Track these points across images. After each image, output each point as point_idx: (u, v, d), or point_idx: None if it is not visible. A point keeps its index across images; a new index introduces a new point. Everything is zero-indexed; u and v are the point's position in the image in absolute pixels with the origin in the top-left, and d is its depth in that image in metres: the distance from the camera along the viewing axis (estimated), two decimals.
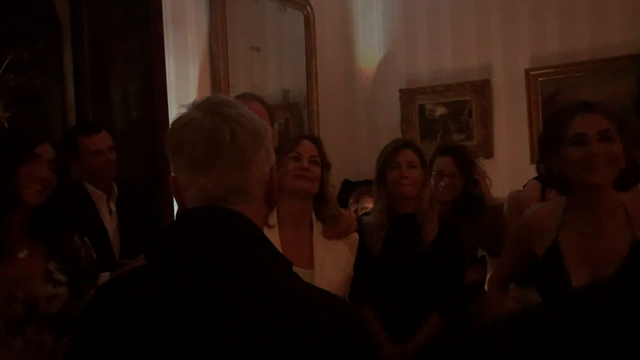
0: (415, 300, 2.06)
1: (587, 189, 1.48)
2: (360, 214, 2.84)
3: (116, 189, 2.38)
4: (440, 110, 3.79)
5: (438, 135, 3.75)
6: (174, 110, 2.69)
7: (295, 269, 1.76)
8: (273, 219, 1.76)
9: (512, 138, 3.55)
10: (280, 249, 1.69)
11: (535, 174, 2.63)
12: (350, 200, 3.14)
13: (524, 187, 2.54)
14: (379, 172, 2.18)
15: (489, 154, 3.61)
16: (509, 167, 3.47)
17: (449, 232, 2.14)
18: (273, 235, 1.70)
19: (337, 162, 3.44)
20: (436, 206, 2.17)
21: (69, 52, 2.84)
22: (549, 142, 1.54)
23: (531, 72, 3.46)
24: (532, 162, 3.27)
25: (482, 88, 3.62)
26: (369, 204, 2.79)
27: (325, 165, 1.87)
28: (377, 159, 2.22)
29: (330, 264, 1.78)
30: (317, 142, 1.87)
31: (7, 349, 1.47)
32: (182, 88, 2.79)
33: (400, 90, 3.89)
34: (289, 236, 1.76)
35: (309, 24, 3.61)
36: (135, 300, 0.82)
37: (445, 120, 3.77)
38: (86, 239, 1.71)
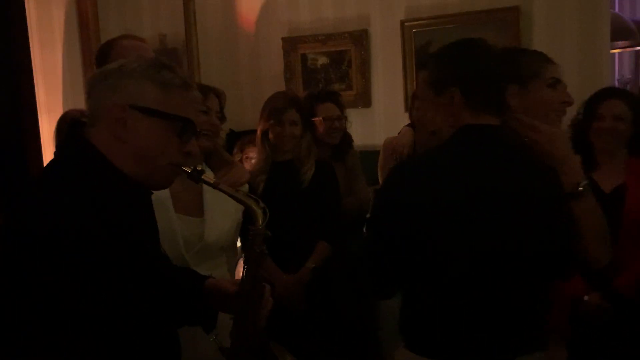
0: (300, 232, 2.31)
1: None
2: (244, 163, 2.88)
3: None
4: (322, 60, 3.83)
5: (320, 85, 3.78)
6: (37, 54, 2.48)
7: (185, 217, 1.77)
8: None
9: (388, 88, 3.70)
10: (170, 199, 1.69)
11: (408, 122, 2.81)
12: (235, 150, 3.13)
13: (398, 133, 2.70)
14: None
15: (367, 104, 3.74)
16: (385, 116, 3.63)
17: (325, 170, 2.44)
18: None
19: None
20: (313, 151, 2.44)
21: None
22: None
23: (406, 23, 3.59)
24: (406, 110, 3.45)
25: (360, 38, 3.71)
26: (253, 153, 2.81)
27: (222, 119, 1.96)
28: (262, 115, 2.41)
29: (219, 212, 1.80)
30: (221, 97, 1.93)
31: None
32: (46, 32, 2.56)
33: (283, 39, 3.86)
34: (177, 185, 1.74)
35: None
36: None
37: (327, 69, 3.82)
38: None
